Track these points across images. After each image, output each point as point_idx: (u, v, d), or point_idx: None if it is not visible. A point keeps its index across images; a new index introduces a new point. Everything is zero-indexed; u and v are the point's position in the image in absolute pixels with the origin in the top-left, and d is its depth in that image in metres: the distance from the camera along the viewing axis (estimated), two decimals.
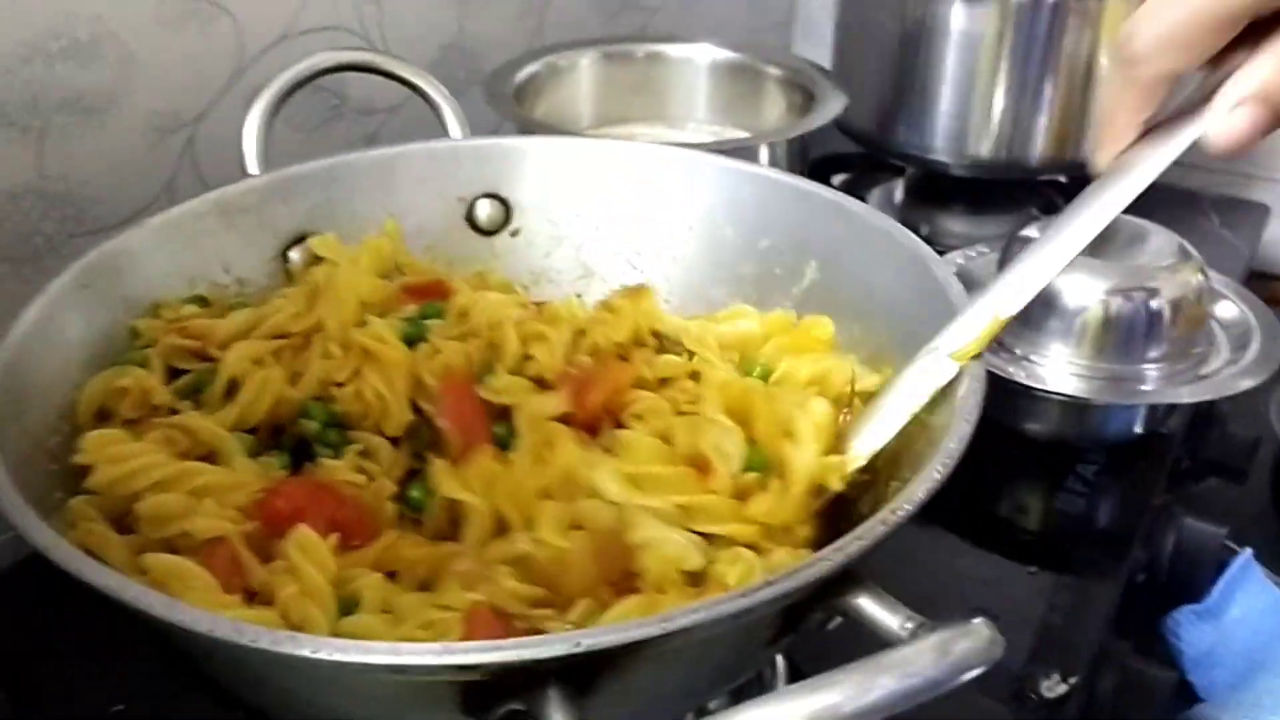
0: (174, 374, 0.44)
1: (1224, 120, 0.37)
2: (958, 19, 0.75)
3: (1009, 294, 0.41)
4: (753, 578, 0.35)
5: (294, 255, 0.52)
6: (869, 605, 0.32)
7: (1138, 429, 0.63)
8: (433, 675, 0.29)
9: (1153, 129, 0.41)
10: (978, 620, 0.28)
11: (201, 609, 0.29)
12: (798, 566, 0.30)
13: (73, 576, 0.30)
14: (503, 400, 0.43)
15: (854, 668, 0.27)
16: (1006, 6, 0.74)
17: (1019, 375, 0.61)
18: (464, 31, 0.79)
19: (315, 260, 0.52)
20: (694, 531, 0.38)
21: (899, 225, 0.46)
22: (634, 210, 0.54)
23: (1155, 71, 0.39)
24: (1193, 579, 0.62)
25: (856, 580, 0.33)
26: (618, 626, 0.29)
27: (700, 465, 0.39)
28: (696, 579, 0.37)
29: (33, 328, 0.41)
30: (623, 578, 0.36)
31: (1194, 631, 0.61)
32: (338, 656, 0.28)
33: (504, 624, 0.34)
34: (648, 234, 0.54)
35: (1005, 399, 0.62)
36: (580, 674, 0.29)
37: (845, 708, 0.26)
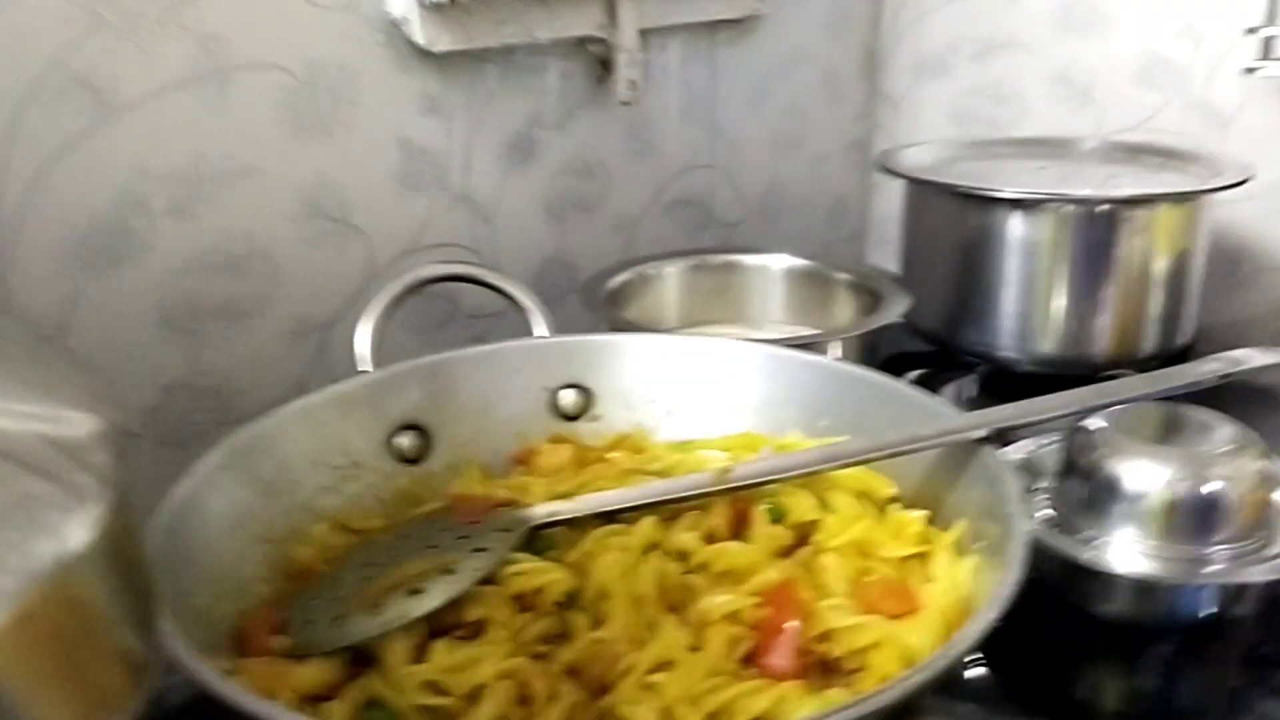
0: None
1: None
2: (1014, 228, 0.82)
3: None
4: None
5: (401, 441, 0.59)
6: None
7: (1209, 610, 0.64)
8: None
9: None
10: None
11: None
12: (870, 694, 0.34)
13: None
14: None
15: None
16: (1061, 215, 0.80)
17: (1086, 556, 0.63)
18: (563, 246, 0.88)
19: (421, 442, 0.59)
20: None
21: (939, 401, 0.52)
22: (702, 396, 0.61)
23: None
24: None
25: (924, 710, 0.37)
26: None
27: None
28: None
29: (183, 502, 0.48)
30: None
31: None
32: None
33: None
34: (715, 416, 0.60)
35: (1076, 580, 0.64)
36: None
37: None
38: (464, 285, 0.77)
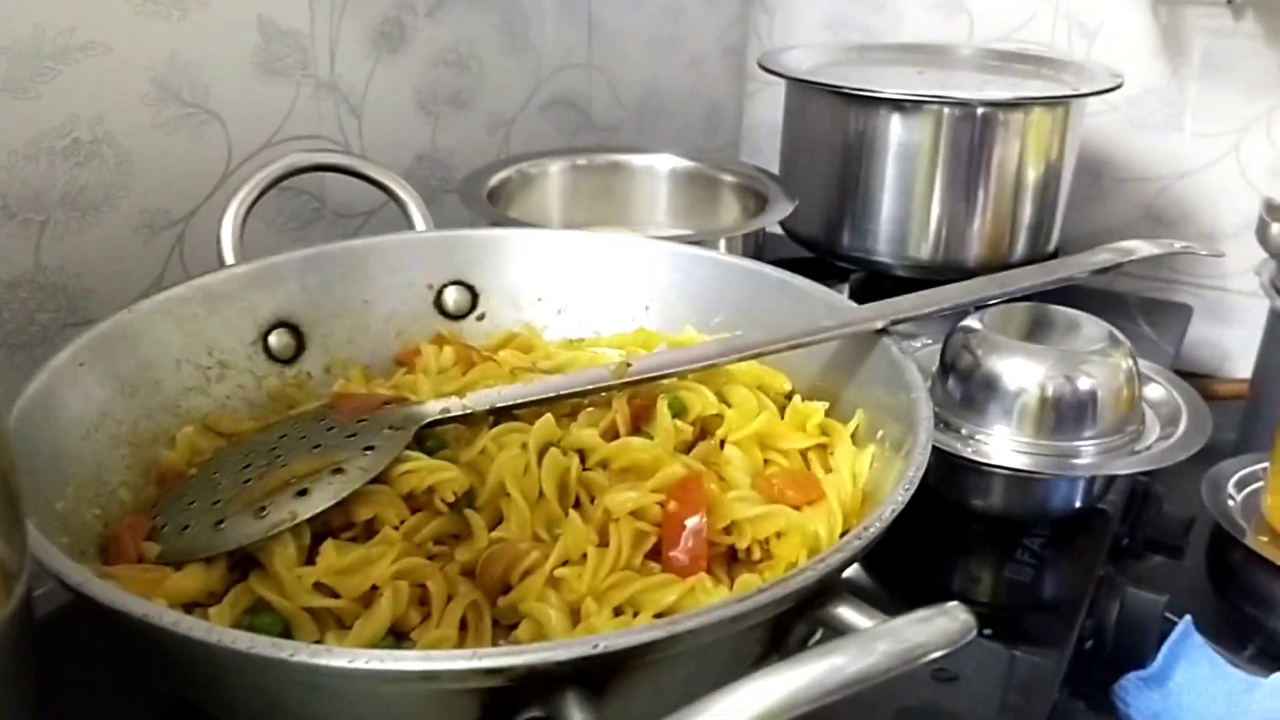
0: None
1: None
2: (895, 131, 0.82)
3: None
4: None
5: (272, 340, 0.56)
6: (848, 613, 0.35)
7: (1078, 503, 0.67)
8: (461, 681, 0.31)
9: None
10: (952, 604, 0.32)
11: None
12: (787, 576, 0.34)
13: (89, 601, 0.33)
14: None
15: (852, 638, 0.30)
16: (939, 118, 0.81)
17: (965, 451, 0.65)
18: (436, 144, 0.84)
19: (294, 341, 0.55)
20: None
21: (836, 294, 0.51)
22: (593, 294, 0.59)
23: None
24: (1137, 646, 0.64)
25: (835, 593, 0.36)
26: (629, 631, 0.31)
27: None
28: None
29: (37, 401, 0.43)
30: None
31: (1141, 698, 0.63)
32: (374, 665, 0.30)
33: None
34: (607, 314, 0.58)
35: (953, 475, 0.66)
36: (595, 677, 0.31)
37: (848, 669, 0.29)
38: (332, 180, 0.73)
